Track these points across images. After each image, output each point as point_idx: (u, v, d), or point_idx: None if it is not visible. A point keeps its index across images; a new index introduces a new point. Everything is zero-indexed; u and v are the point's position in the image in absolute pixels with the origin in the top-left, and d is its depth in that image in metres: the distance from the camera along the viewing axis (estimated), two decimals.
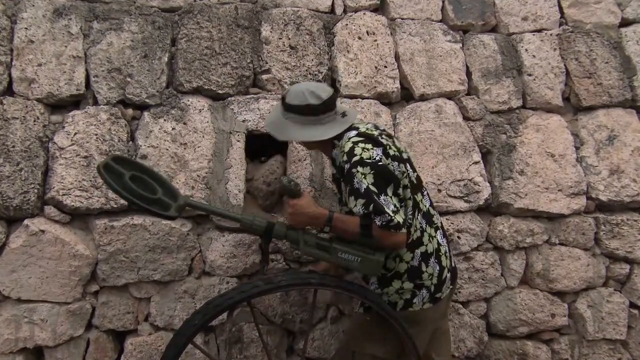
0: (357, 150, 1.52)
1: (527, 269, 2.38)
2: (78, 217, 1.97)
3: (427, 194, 1.76)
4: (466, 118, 2.38)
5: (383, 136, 1.63)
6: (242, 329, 2.08)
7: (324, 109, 1.60)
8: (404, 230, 1.50)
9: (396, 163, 1.57)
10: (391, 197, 1.50)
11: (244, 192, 2.09)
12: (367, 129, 1.64)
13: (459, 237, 2.26)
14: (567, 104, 2.53)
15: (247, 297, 1.56)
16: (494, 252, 2.34)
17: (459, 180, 2.28)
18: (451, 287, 1.73)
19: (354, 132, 1.60)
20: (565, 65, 2.53)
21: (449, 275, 1.70)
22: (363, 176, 1.48)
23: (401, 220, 1.48)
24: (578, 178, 2.40)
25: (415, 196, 1.64)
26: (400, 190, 1.57)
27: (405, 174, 1.60)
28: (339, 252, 1.54)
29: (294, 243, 1.60)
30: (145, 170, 1.56)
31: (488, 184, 2.32)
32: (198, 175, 2.03)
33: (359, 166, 1.49)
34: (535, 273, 2.37)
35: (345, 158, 1.52)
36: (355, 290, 1.67)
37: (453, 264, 1.78)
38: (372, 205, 1.46)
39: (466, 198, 2.28)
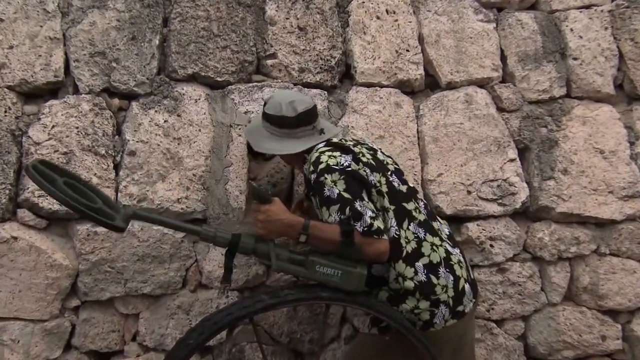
0: (323, 158, 1.56)
1: (571, 283, 2.32)
2: (56, 222, 1.93)
3: (425, 205, 1.76)
4: (500, 109, 2.33)
5: (358, 146, 1.68)
6: (243, 350, 2.03)
7: (297, 123, 1.69)
8: (385, 237, 1.52)
9: (368, 170, 1.59)
10: (367, 202, 1.53)
11: (246, 193, 2.04)
12: (340, 140, 1.72)
13: (491, 246, 2.20)
14: (619, 92, 2.45)
15: (249, 313, 1.53)
16: (533, 263, 2.28)
17: (491, 181, 2.22)
18: (474, 300, 1.68)
19: (322, 144, 1.66)
20: (618, 46, 2.44)
21: (466, 286, 1.65)
22: (333, 183, 1.51)
23: (381, 226, 1.51)
24: (633, 178, 2.33)
25: (405, 205, 1.63)
26: (375, 197, 1.58)
27: (381, 183, 1.61)
28: (317, 265, 1.51)
29: (264, 258, 1.55)
30: (78, 179, 1.50)
31: (525, 185, 2.27)
32: (194, 175, 1.99)
33: (326, 174, 1.52)
34: (582, 288, 2.30)
35: (311, 168, 1.57)
36: (373, 306, 1.62)
37: (472, 276, 1.73)
38: (348, 209, 1.49)
39: (500, 201, 2.22)
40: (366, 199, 1.53)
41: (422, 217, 1.65)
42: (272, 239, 1.57)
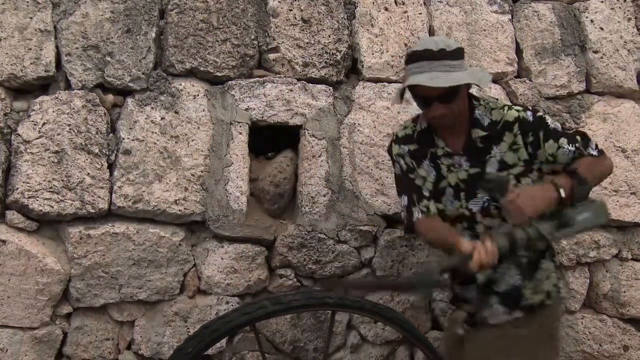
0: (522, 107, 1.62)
1: (591, 290, 2.32)
2: (47, 225, 1.94)
3: None
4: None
5: None
6: (244, 359, 2.01)
7: (462, 54, 1.55)
8: None
9: None
10: None
11: (247, 194, 2.04)
12: None
13: None
14: None
15: (251, 320, 1.53)
16: None
17: None
18: None
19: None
20: None
21: None
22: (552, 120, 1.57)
23: None
24: None
25: None
26: None
27: None
28: (577, 215, 1.47)
29: (539, 240, 1.45)
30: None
31: None
32: (192, 175, 1.98)
33: (541, 111, 1.58)
34: (602, 295, 2.30)
35: (519, 108, 1.59)
36: (381, 311, 1.62)
37: None
38: (579, 136, 1.55)
39: None
40: None
41: None
42: (532, 219, 1.47)
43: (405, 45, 2.22)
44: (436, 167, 1.62)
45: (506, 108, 1.58)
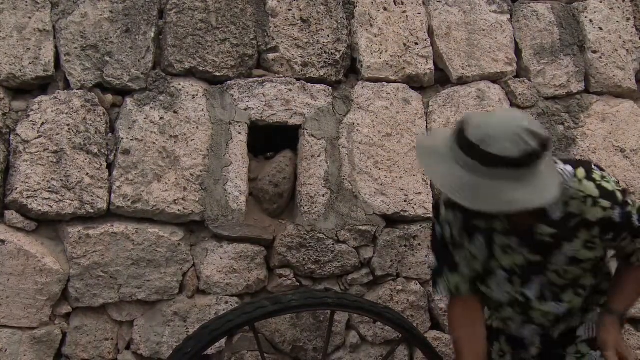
0: (609, 186, 1.28)
1: None
2: (46, 224, 1.94)
3: None
4: (515, 105, 2.32)
5: None
6: (243, 359, 2.02)
7: (542, 152, 1.17)
8: None
9: None
10: None
11: (247, 194, 2.04)
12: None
13: None
14: None
15: (250, 320, 1.54)
16: None
17: None
18: None
19: (570, 168, 1.29)
20: None
21: None
22: (635, 207, 1.31)
23: None
24: None
25: None
26: None
27: None
28: None
29: None
30: None
31: None
32: (191, 174, 1.99)
33: (629, 199, 1.30)
34: None
35: (606, 204, 1.27)
36: (380, 312, 1.62)
37: None
38: None
39: None
40: None
41: None
42: None
43: (405, 45, 2.21)
44: (488, 244, 1.38)
45: (590, 202, 1.27)
